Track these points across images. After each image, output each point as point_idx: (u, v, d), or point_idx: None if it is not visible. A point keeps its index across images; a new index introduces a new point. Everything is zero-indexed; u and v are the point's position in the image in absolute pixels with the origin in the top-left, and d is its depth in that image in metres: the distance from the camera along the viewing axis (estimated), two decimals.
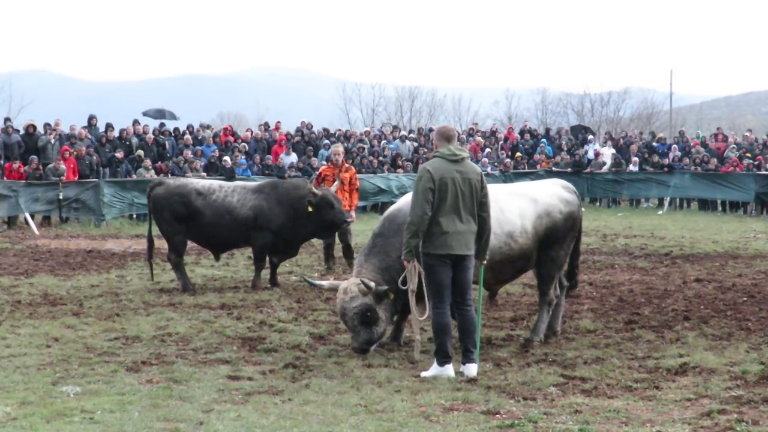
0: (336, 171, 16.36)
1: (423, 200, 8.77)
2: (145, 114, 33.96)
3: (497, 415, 7.52)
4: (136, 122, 30.98)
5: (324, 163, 23.99)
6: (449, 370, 8.82)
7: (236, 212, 14.40)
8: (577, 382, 8.64)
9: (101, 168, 27.52)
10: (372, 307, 9.63)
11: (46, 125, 28.27)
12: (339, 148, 16.77)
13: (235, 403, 7.89)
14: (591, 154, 36.02)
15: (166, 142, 30.02)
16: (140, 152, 28.36)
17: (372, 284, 9.62)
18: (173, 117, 34.11)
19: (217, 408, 7.69)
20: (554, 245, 10.39)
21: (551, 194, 10.54)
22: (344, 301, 9.69)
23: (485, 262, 9.27)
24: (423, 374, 8.80)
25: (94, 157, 27.29)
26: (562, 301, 11.02)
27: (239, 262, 17.80)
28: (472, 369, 8.89)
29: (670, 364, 9.27)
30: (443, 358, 8.85)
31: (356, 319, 9.64)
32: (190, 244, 15.50)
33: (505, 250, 10.08)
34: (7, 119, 29.29)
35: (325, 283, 10.61)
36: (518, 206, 10.24)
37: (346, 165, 16.74)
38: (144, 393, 8.14)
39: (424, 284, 9.09)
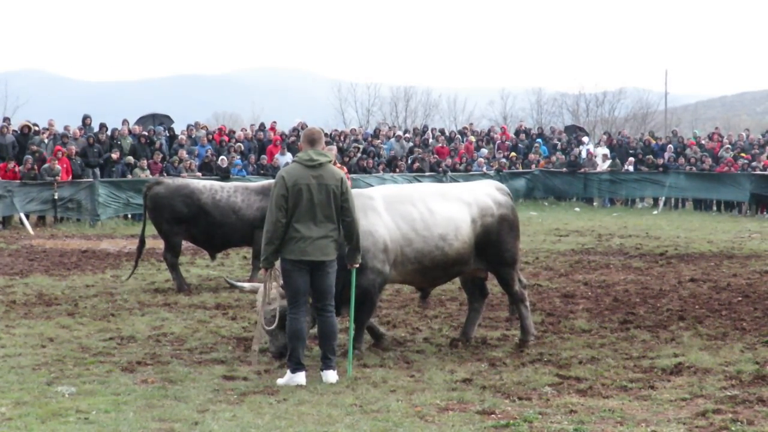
0: None
1: (276, 208, 8.61)
2: (137, 123, 33.73)
3: (492, 415, 7.52)
4: (125, 122, 30.86)
5: None
6: (300, 377, 8.54)
7: (242, 212, 14.42)
8: (572, 381, 8.64)
9: (89, 168, 27.40)
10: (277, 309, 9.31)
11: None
12: (333, 149, 16.79)
13: (230, 403, 7.88)
14: (584, 155, 36.07)
15: (160, 142, 29.93)
16: (130, 158, 28.17)
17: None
18: (169, 121, 33.98)
19: (213, 408, 7.68)
20: (493, 248, 10.17)
21: (484, 196, 10.32)
22: (263, 305, 9.48)
23: (356, 265, 8.98)
24: (278, 381, 8.57)
25: (78, 161, 27.11)
26: (482, 308, 10.74)
27: (234, 262, 17.80)
28: (330, 376, 8.64)
29: (665, 364, 9.27)
30: (295, 365, 8.57)
31: (273, 322, 9.30)
32: (184, 243, 15.48)
33: (437, 254, 9.84)
34: (6, 119, 29.23)
35: (246, 285, 10.37)
36: (449, 208, 10.01)
37: (338, 165, 16.76)
38: (139, 393, 8.14)
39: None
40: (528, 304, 10.63)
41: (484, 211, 10.18)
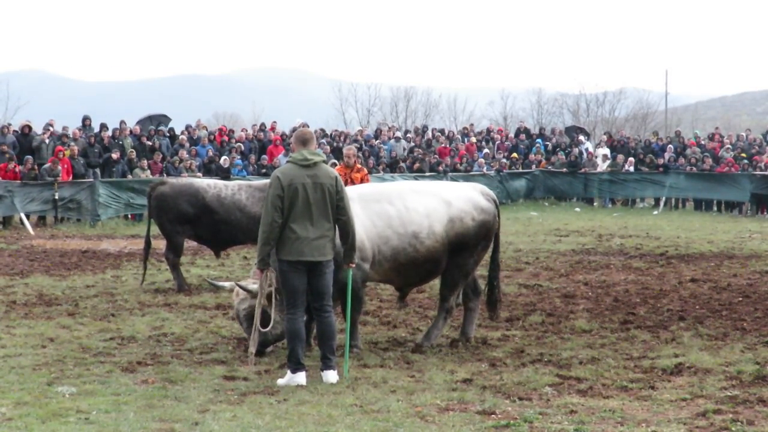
0: (348, 171, 16.36)
1: (272, 208, 8.60)
2: (136, 125, 33.68)
3: (493, 415, 7.52)
4: (123, 123, 30.87)
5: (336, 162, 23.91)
6: (301, 377, 8.57)
7: (247, 210, 14.45)
8: (572, 382, 8.64)
9: (91, 169, 27.41)
10: (263, 309, 9.42)
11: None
12: (351, 150, 16.76)
13: (230, 403, 7.89)
14: (584, 155, 36.09)
15: (160, 142, 29.96)
16: (132, 152, 28.31)
17: (253, 287, 9.48)
18: (166, 120, 33.97)
19: (213, 408, 7.69)
20: (463, 252, 10.11)
21: (467, 199, 10.23)
22: (236, 303, 9.68)
23: (353, 265, 9.03)
24: (279, 381, 8.59)
25: (81, 161, 27.13)
26: (477, 307, 10.65)
27: (234, 262, 17.79)
28: (330, 376, 8.66)
29: (665, 364, 9.27)
30: (295, 365, 8.60)
31: (247, 320, 9.52)
32: (185, 243, 15.48)
33: (410, 252, 9.84)
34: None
35: (226, 284, 10.42)
36: (426, 206, 9.98)
37: (358, 166, 16.76)
38: (139, 393, 8.14)
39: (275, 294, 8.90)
40: (449, 321, 10.54)
41: (464, 213, 10.11)
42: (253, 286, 9.53)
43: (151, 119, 34.03)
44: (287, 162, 8.95)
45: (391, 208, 9.90)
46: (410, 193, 10.11)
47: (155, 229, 15.14)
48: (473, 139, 37.30)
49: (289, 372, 8.63)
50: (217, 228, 14.60)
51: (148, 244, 14.96)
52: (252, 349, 9.07)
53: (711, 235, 23.90)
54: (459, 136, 38.33)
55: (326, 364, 8.72)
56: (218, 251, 15.40)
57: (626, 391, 8.31)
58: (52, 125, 28.97)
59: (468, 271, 10.28)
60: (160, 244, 16.01)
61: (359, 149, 33.08)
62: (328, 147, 31.38)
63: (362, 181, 16.38)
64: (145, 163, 27.92)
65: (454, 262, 10.12)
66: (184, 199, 14.59)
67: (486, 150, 36.35)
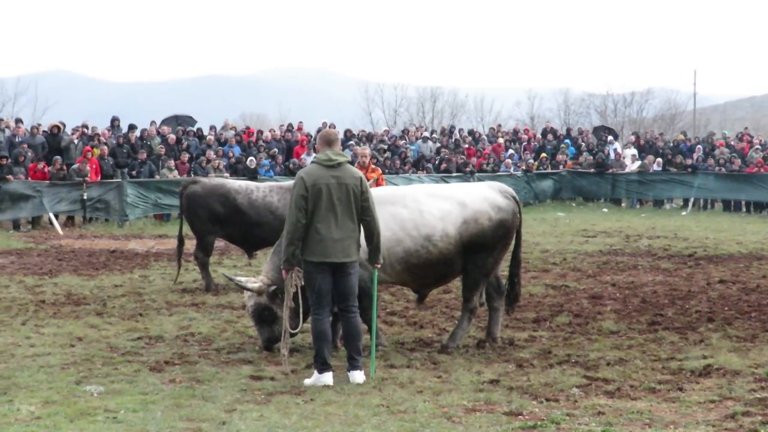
0: (363, 172, 16.36)
1: (296, 208, 8.61)
2: (162, 124, 33.89)
3: (520, 416, 7.50)
4: (153, 123, 31.09)
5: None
6: (327, 377, 8.58)
7: (279, 212, 14.47)
8: (600, 383, 8.60)
9: (120, 169, 27.60)
10: (268, 306, 9.63)
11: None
12: (366, 150, 16.79)
13: (257, 403, 7.90)
14: (612, 155, 35.92)
15: (188, 143, 30.12)
16: (162, 147, 28.54)
17: (255, 285, 9.63)
18: (191, 121, 34.12)
19: (240, 408, 7.71)
20: (481, 252, 10.04)
21: (482, 199, 10.14)
22: (245, 300, 9.87)
23: (378, 266, 9.02)
24: (305, 381, 8.61)
25: (111, 161, 27.33)
26: (501, 306, 10.54)
27: (261, 262, 17.80)
28: (357, 376, 8.67)
29: (693, 366, 9.21)
30: (321, 365, 8.61)
31: (254, 317, 9.81)
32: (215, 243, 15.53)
33: (423, 254, 9.83)
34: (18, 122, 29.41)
35: (242, 279, 10.40)
36: (440, 209, 9.95)
37: (372, 166, 16.78)
38: (167, 392, 8.17)
39: (300, 296, 8.90)
40: (473, 320, 10.48)
41: (480, 214, 10.05)
42: (254, 285, 9.68)
43: (176, 119, 34.20)
44: (312, 162, 8.97)
45: (404, 210, 9.91)
46: (425, 197, 10.11)
47: (187, 228, 15.21)
48: (501, 140, 37.23)
49: (315, 372, 8.65)
50: (248, 229, 14.66)
51: (181, 242, 15.02)
52: (284, 351, 9.09)
53: (740, 236, 23.73)
54: (485, 137, 38.27)
55: (353, 365, 8.73)
56: (250, 252, 15.48)
57: (654, 392, 8.27)
58: (86, 126, 29.24)
59: (488, 270, 10.23)
60: (188, 245, 16.07)
61: (387, 149, 33.13)
62: (357, 148, 31.42)
63: (377, 181, 16.39)
64: (172, 163, 28.06)
65: (473, 262, 10.08)
66: (215, 199, 14.66)
67: (511, 150, 36.28)
